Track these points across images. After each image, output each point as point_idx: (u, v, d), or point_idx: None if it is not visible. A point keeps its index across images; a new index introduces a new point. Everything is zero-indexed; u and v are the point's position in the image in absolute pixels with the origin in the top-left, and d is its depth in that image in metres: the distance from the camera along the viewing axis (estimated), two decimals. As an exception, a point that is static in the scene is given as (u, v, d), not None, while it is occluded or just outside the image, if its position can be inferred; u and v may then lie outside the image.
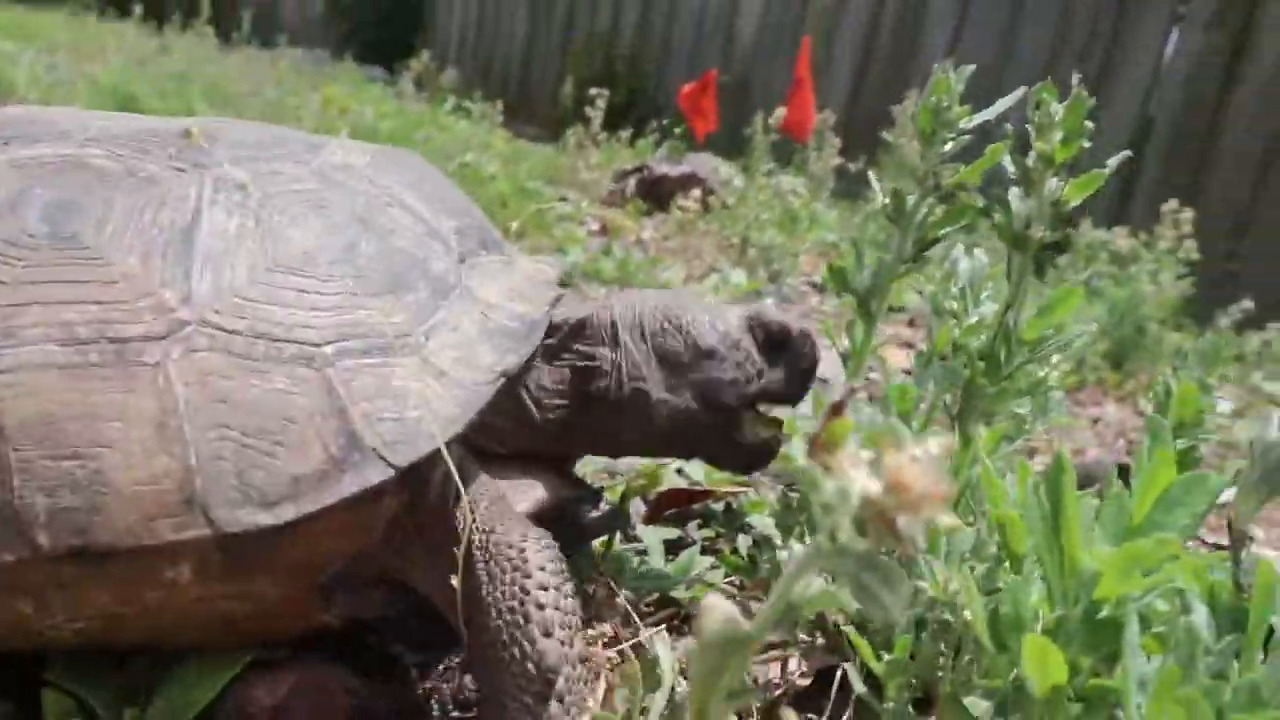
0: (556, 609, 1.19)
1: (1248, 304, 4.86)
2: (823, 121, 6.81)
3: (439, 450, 1.21)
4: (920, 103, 1.47)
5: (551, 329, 1.49)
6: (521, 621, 1.18)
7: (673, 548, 1.78)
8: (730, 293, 4.27)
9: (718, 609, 0.63)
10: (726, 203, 5.66)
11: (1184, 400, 1.32)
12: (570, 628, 1.19)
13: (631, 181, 6.27)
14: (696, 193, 5.17)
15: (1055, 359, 1.37)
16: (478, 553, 1.24)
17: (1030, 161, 1.31)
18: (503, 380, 1.30)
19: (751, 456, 1.54)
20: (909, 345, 4.17)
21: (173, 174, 1.29)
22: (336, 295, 1.25)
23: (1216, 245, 6.35)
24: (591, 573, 1.61)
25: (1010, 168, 1.33)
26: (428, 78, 8.99)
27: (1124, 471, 2.53)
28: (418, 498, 1.31)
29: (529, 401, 1.49)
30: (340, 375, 1.21)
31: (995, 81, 7.56)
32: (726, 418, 1.49)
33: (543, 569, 1.21)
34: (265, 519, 1.15)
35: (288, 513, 1.16)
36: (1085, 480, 1.38)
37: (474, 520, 1.27)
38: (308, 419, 1.18)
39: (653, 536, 1.77)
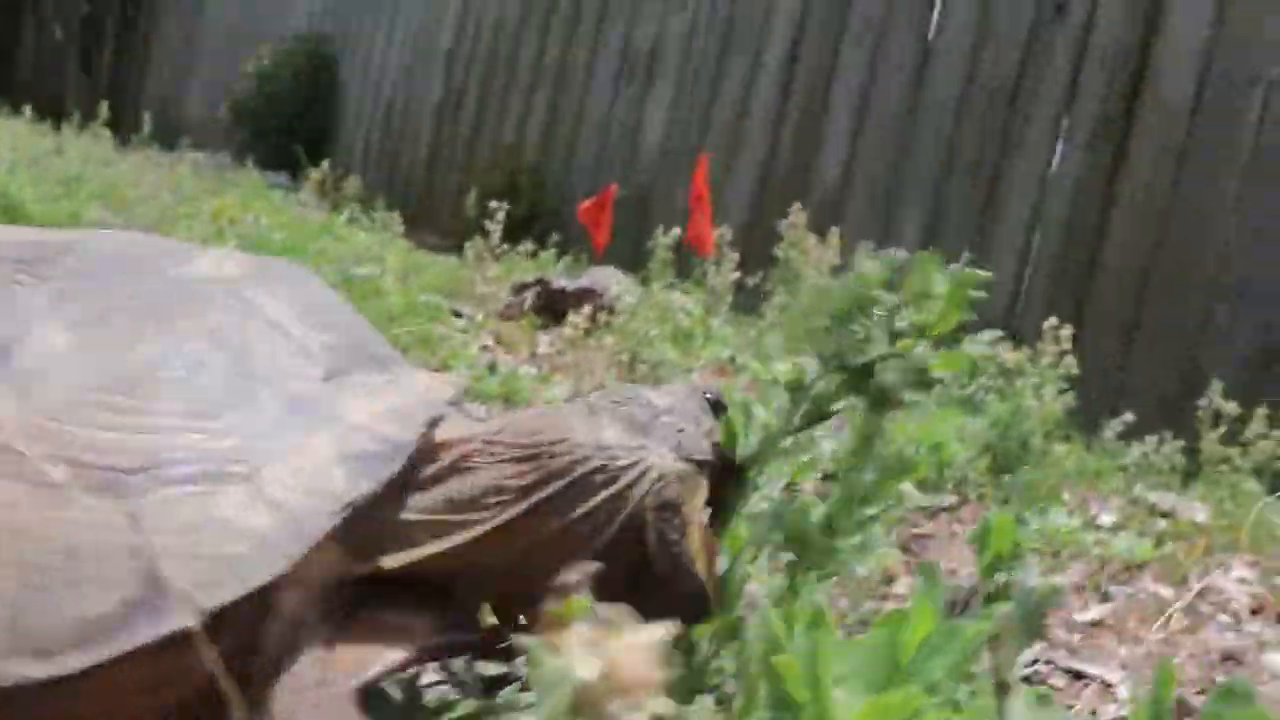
0: None
1: (1129, 416, 4.94)
2: (721, 237, 6.86)
3: (268, 593, 1.11)
4: (845, 284, 1.35)
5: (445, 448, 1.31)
6: None
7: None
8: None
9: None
10: (615, 319, 5.64)
11: (1000, 533, 1.32)
12: None
13: (529, 295, 6.20)
14: (587, 309, 5.14)
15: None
16: None
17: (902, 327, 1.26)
18: (349, 511, 1.15)
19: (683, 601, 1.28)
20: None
21: (11, 287, 1.23)
22: (162, 417, 1.15)
23: (1103, 357, 6.47)
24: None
25: (878, 333, 1.26)
26: (329, 186, 8.95)
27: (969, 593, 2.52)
28: (245, 647, 1.16)
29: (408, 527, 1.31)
30: (150, 506, 1.10)
31: (892, 194, 7.71)
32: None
33: None
34: (38, 671, 1.04)
35: (70, 664, 1.05)
36: (952, 604, 1.35)
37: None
38: (103, 555, 1.07)
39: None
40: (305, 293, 1.38)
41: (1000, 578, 1.31)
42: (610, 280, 6.40)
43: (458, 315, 5.58)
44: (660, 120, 9.53)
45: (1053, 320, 4.73)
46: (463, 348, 4.73)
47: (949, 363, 1.20)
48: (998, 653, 1.04)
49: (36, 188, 5.87)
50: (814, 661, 0.87)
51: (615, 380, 4.70)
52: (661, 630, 0.58)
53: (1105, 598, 3.27)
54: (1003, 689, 1.02)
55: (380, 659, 1.22)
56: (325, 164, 7.73)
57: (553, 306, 5.98)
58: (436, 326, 4.90)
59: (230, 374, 1.20)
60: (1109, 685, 2.46)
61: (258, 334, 1.26)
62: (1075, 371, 4.71)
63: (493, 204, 6.86)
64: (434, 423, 1.27)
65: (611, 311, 5.80)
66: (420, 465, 1.27)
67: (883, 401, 1.27)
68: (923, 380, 1.23)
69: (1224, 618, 2.92)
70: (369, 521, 1.21)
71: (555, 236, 8.12)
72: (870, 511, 1.22)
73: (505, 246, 7.14)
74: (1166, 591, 3.43)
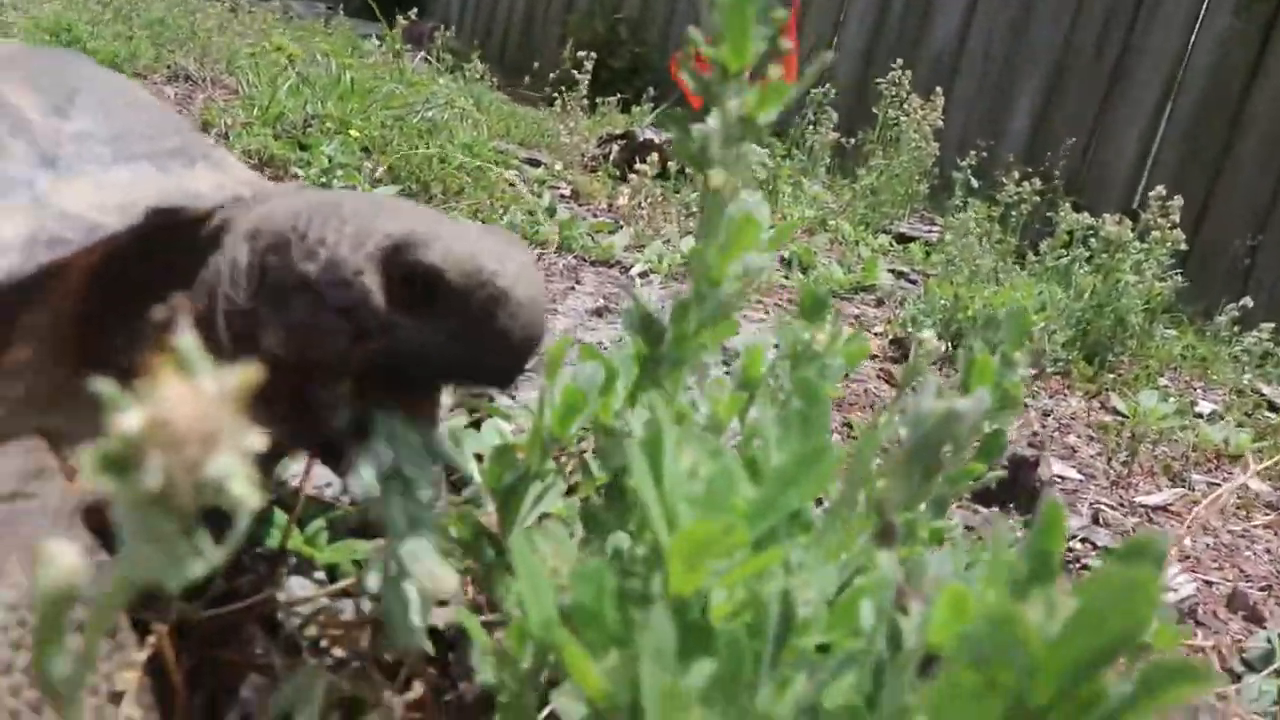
0: (5, 674, 0.92)
1: (1248, 301, 4.61)
2: (823, 95, 6.58)
3: None
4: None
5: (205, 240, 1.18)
6: None
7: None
8: (674, 261, 4.04)
9: (58, 556, 0.51)
10: (685, 169, 5.41)
11: (981, 373, 1.06)
12: (21, 692, 0.92)
13: (614, 147, 6.08)
14: (654, 157, 4.91)
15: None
16: None
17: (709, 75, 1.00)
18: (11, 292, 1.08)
19: (326, 440, 1.10)
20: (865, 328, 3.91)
21: None
22: None
23: (1229, 237, 6.08)
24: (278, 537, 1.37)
25: (687, 80, 1.01)
26: (427, 39, 8.78)
27: (1023, 467, 2.26)
28: None
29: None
30: None
31: (1008, 61, 7.30)
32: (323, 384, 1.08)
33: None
34: None
35: None
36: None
37: None
38: None
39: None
40: (75, 84, 1.28)
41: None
42: None
43: (534, 164, 5.48)
44: (766, -29, 9.11)
45: (1160, 189, 4.38)
46: (529, 194, 4.56)
47: (768, 98, 0.94)
48: (883, 489, 0.81)
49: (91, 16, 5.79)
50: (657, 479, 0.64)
51: (675, 232, 4.49)
52: (239, 376, 0.47)
53: (1180, 483, 3.01)
54: (885, 532, 0.79)
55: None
56: (413, 12, 7.42)
57: (638, 160, 5.79)
58: (507, 172, 4.73)
59: None
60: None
61: None
62: (1183, 247, 4.38)
63: (580, 54, 6.76)
64: (159, 213, 1.16)
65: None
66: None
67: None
68: (750, 130, 0.97)
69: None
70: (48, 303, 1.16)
71: (652, 91, 7.87)
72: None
73: (599, 100, 7.10)
74: (1260, 485, 3.16)
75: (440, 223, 1.06)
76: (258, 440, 0.46)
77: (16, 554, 0.97)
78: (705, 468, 0.71)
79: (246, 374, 0.46)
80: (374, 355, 1.02)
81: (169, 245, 1.20)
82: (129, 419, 0.44)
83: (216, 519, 0.47)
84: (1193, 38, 6.47)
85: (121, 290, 1.21)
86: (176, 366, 0.46)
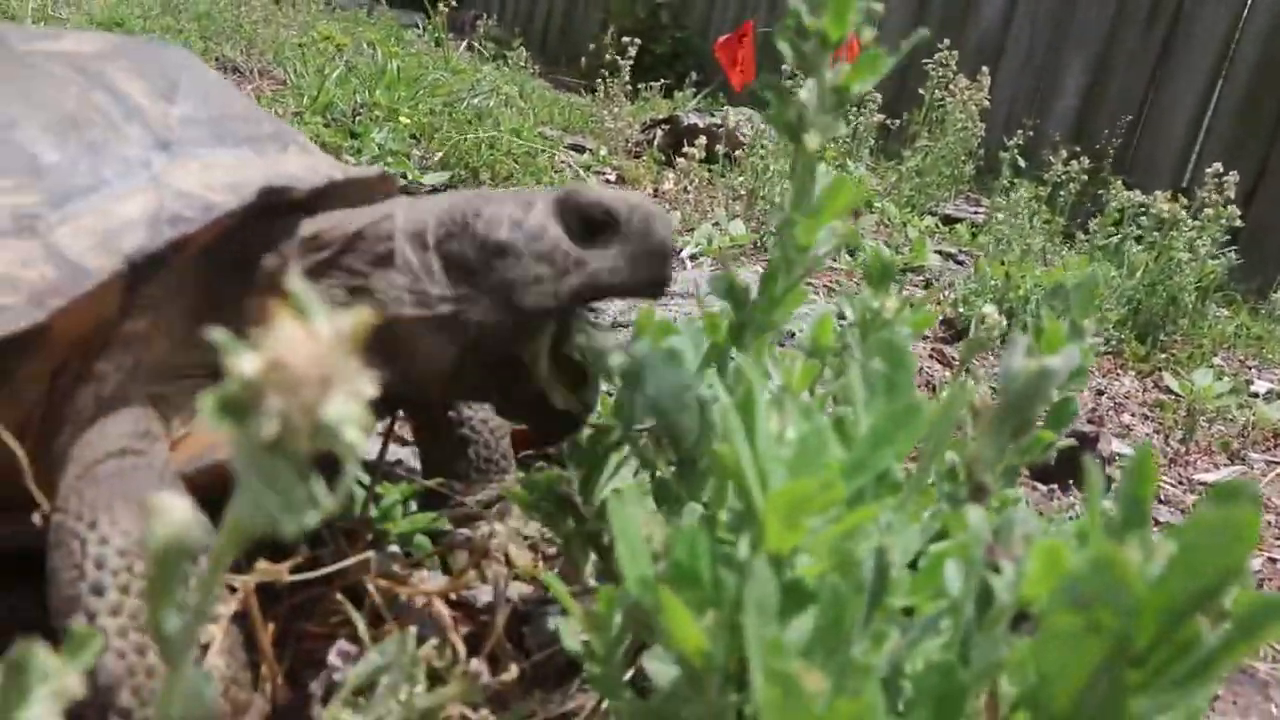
0: (113, 615, 1.00)
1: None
2: (866, 77, 6.51)
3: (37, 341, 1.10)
4: None
5: (320, 242, 1.30)
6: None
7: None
8: (724, 243, 4.06)
9: (171, 510, 0.51)
10: (733, 153, 5.42)
11: (1051, 340, 1.07)
12: (129, 634, 1.01)
13: (658, 132, 6.09)
14: (702, 141, 4.91)
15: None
16: (51, 531, 1.07)
17: (807, 45, 1.03)
18: (127, 266, 1.15)
19: (553, 418, 1.29)
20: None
21: None
22: None
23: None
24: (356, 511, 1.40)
25: (788, 52, 1.05)
26: (468, 27, 8.81)
27: (1083, 443, 2.26)
28: (31, 399, 1.17)
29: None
30: None
31: (1056, 37, 7.24)
32: (530, 356, 1.25)
33: (111, 570, 1.02)
34: None
35: None
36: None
37: (67, 482, 1.10)
38: None
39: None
40: (176, 72, 1.37)
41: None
42: (743, 119, 6.20)
43: (579, 150, 5.51)
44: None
45: (1216, 165, 4.34)
46: (573, 179, 4.58)
47: (863, 70, 0.96)
48: (975, 448, 0.83)
49: (142, 10, 5.84)
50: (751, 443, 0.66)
51: (724, 215, 4.50)
52: (356, 320, 0.46)
53: (1238, 461, 3.00)
54: (977, 490, 0.81)
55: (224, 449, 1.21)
56: (454, 0, 7.44)
57: (682, 144, 5.79)
58: (554, 157, 4.75)
59: (51, 136, 1.20)
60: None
61: (98, 104, 1.26)
62: (1238, 224, 4.34)
63: (623, 40, 6.75)
64: (268, 192, 1.26)
65: (734, 147, 5.62)
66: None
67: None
68: (840, 102, 0.98)
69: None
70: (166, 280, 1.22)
71: (694, 76, 7.85)
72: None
73: (641, 85, 7.09)
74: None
75: (508, 194, 1.26)
76: (371, 385, 0.46)
77: (127, 504, 1.04)
78: (793, 430, 0.73)
79: (362, 317, 0.46)
80: (576, 290, 1.22)
81: (269, 224, 1.30)
82: (247, 362, 0.44)
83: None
84: (1246, 9, 6.38)
85: (228, 266, 1.29)
86: (292, 311, 0.46)
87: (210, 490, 0.81)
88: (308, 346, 0.44)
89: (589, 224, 1.22)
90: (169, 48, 1.44)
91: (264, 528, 0.48)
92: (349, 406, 0.45)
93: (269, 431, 0.44)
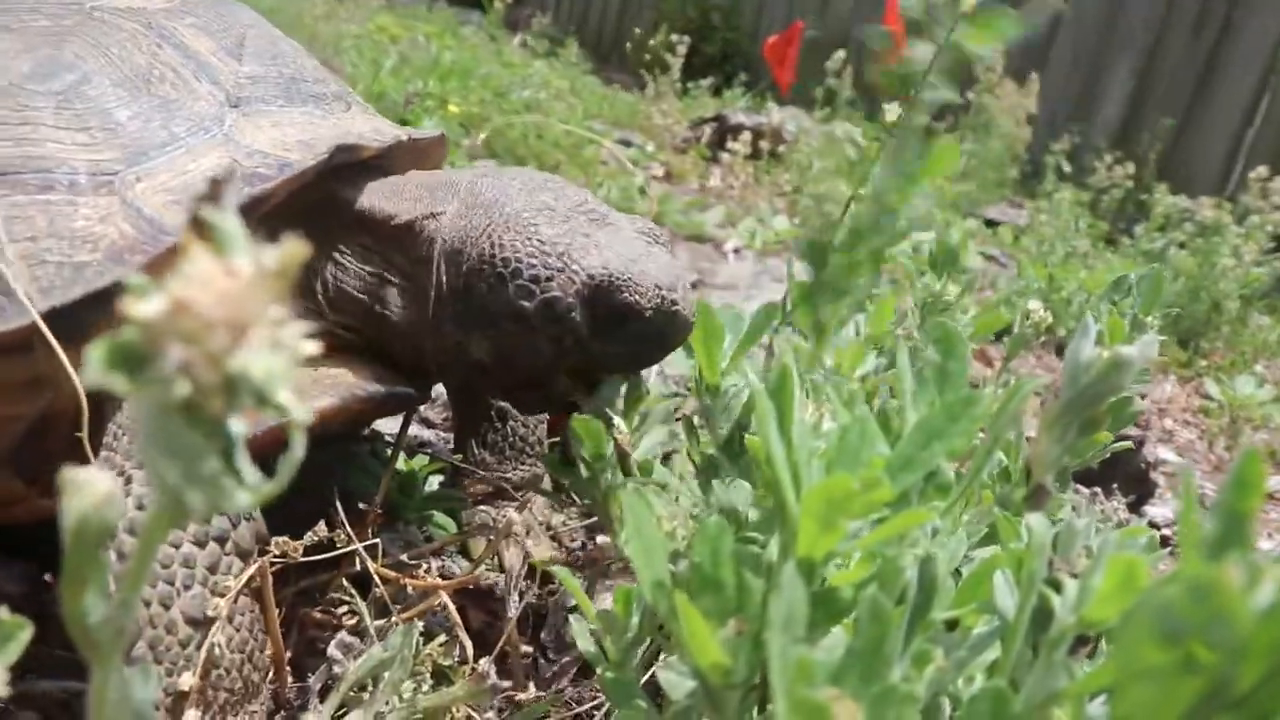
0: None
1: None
2: (913, 78, 6.43)
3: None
4: None
5: (374, 222, 1.31)
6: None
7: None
8: (767, 238, 4.03)
9: (89, 484, 0.42)
10: (777, 151, 5.41)
11: (1113, 335, 1.00)
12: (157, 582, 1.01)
13: (706, 130, 6.08)
14: (746, 136, 4.91)
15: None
16: (99, 466, 1.05)
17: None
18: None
19: (545, 403, 1.32)
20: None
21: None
22: (25, 126, 1.12)
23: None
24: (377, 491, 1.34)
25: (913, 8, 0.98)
26: (523, 24, 8.82)
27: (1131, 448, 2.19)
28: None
29: (319, 289, 1.30)
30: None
31: (1102, 43, 7.14)
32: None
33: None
34: None
35: None
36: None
37: (119, 421, 1.10)
38: None
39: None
40: (242, 29, 1.37)
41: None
42: (789, 118, 6.20)
43: (627, 145, 5.47)
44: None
45: (1260, 170, 4.24)
46: (624, 172, 4.56)
47: (986, 30, 0.88)
48: (1037, 447, 0.76)
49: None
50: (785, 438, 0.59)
51: (768, 210, 4.46)
52: (284, 255, 0.37)
53: (1285, 471, 2.91)
54: (1038, 494, 0.74)
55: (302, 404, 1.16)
56: (511, -1, 7.49)
57: (727, 141, 5.78)
58: (600, 150, 4.73)
59: (123, 92, 1.19)
60: (1258, 554, 2.15)
61: (168, 59, 1.25)
62: (1285, 231, 4.25)
63: (674, 38, 6.75)
64: (341, 150, 1.26)
65: (778, 144, 5.61)
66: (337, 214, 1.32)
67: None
68: (956, 67, 0.93)
69: None
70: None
71: (743, 76, 7.86)
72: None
73: (690, 84, 7.11)
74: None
75: (620, 240, 1.23)
76: (302, 332, 0.37)
77: None
78: (833, 421, 0.66)
79: (290, 252, 0.37)
80: (572, 366, 1.23)
81: (337, 181, 1.31)
82: (146, 304, 0.35)
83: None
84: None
85: (298, 222, 1.25)
86: (210, 244, 0.37)
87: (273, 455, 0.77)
88: (222, 286, 0.36)
89: (614, 315, 1.20)
90: (235, 5, 1.44)
91: (165, 503, 0.40)
92: (271, 358, 0.36)
93: (169, 385, 0.36)
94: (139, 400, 0.37)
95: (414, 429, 1.68)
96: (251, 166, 1.18)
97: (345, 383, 1.26)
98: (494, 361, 1.23)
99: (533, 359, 1.21)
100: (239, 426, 0.39)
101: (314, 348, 0.38)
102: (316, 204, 1.29)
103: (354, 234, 1.31)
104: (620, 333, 1.20)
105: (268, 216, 1.21)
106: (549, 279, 1.19)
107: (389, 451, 1.49)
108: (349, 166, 1.30)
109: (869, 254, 0.92)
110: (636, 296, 1.18)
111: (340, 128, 1.30)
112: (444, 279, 1.24)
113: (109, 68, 1.19)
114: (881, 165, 0.93)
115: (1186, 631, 0.40)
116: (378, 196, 1.32)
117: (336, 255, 1.31)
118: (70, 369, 1.02)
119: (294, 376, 0.37)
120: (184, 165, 1.15)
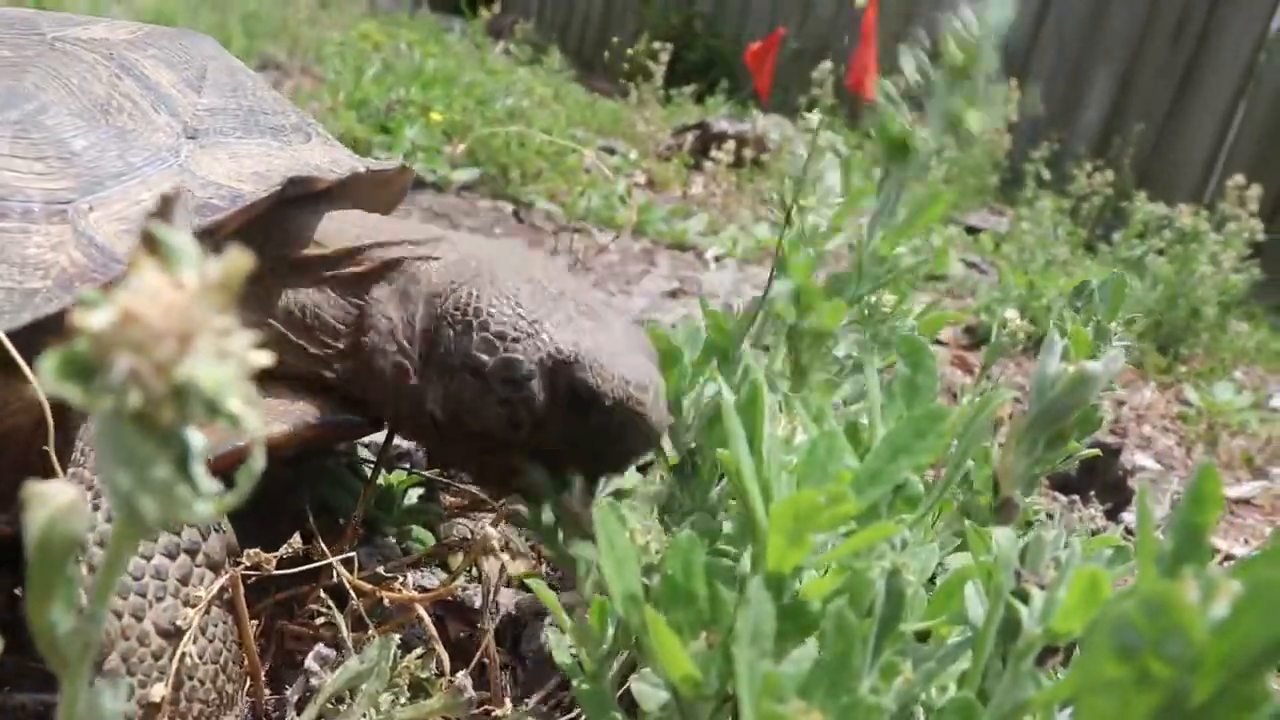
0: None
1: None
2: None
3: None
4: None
5: (361, 258, 1.31)
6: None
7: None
8: (749, 246, 4.04)
9: (53, 496, 0.42)
10: (760, 159, 5.42)
11: (1077, 343, 1.00)
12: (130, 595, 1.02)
13: (689, 137, 6.08)
14: (730, 144, 4.93)
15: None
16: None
17: (935, 71, 1.01)
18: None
19: (503, 481, 1.25)
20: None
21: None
22: None
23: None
24: (355, 505, 1.34)
25: (914, 75, 1.02)
26: (507, 32, 8.83)
27: (1108, 455, 2.19)
28: None
29: (298, 323, 1.30)
30: None
31: (1084, 48, 7.17)
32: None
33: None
34: None
35: None
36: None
37: (86, 439, 1.11)
38: None
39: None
40: (203, 62, 1.39)
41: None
42: (772, 126, 6.21)
43: (610, 152, 5.48)
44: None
45: (1238, 178, 4.27)
46: (605, 180, 4.56)
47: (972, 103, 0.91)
48: (1004, 460, 0.76)
49: (188, 6, 5.88)
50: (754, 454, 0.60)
51: (751, 218, 4.47)
52: (228, 267, 0.39)
53: (1261, 476, 2.93)
54: (1005, 508, 0.74)
55: (243, 435, 1.16)
56: (495, 6, 7.50)
57: (710, 149, 5.79)
58: (584, 158, 4.74)
59: (81, 122, 1.21)
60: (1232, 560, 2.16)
61: (127, 90, 1.27)
62: (1261, 237, 4.27)
63: (656, 45, 6.75)
64: (295, 183, 1.27)
65: (760, 152, 5.62)
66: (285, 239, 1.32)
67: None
68: (953, 129, 0.96)
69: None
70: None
71: (725, 83, 7.87)
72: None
73: (673, 91, 7.11)
74: (1341, 481, 3.07)
75: (601, 331, 1.18)
76: (249, 343, 0.38)
77: None
78: (801, 435, 0.67)
79: (234, 264, 0.38)
80: (524, 441, 1.17)
81: (292, 213, 1.31)
82: (96, 315, 0.36)
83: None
84: (1273, 25, 6.30)
85: (251, 253, 1.24)
86: (158, 258, 0.38)
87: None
88: (169, 298, 0.37)
89: (574, 398, 1.14)
90: (197, 37, 1.45)
91: (123, 514, 0.40)
92: (219, 368, 0.37)
93: (121, 395, 0.37)
94: (93, 410, 0.37)
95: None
96: (205, 197, 1.19)
97: (295, 410, 1.26)
98: (445, 416, 1.19)
99: (483, 421, 1.17)
100: (197, 439, 0.39)
101: (265, 359, 0.39)
102: (272, 235, 1.30)
103: (311, 267, 1.31)
104: (578, 420, 1.15)
105: (237, 241, 1.21)
106: (515, 340, 1.16)
107: (366, 467, 1.49)
108: (307, 197, 1.31)
109: (851, 300, 0.94)
110: (599, 381, 1.12)
111: (297, 159, 1.31)
112: (415, 319, 1.24)
113: (68, 98, 1.21)
114: (870, 219, 0.96)
115: (1142, 646, 0.40)
116: (358, 230, 1.33)
117: (289, 289, 1.30)
118: (37, 385, 1.00)
119: (244, 387, 0.38)
120: (138, 195, 1.17)
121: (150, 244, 0.38)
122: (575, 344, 1.15)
